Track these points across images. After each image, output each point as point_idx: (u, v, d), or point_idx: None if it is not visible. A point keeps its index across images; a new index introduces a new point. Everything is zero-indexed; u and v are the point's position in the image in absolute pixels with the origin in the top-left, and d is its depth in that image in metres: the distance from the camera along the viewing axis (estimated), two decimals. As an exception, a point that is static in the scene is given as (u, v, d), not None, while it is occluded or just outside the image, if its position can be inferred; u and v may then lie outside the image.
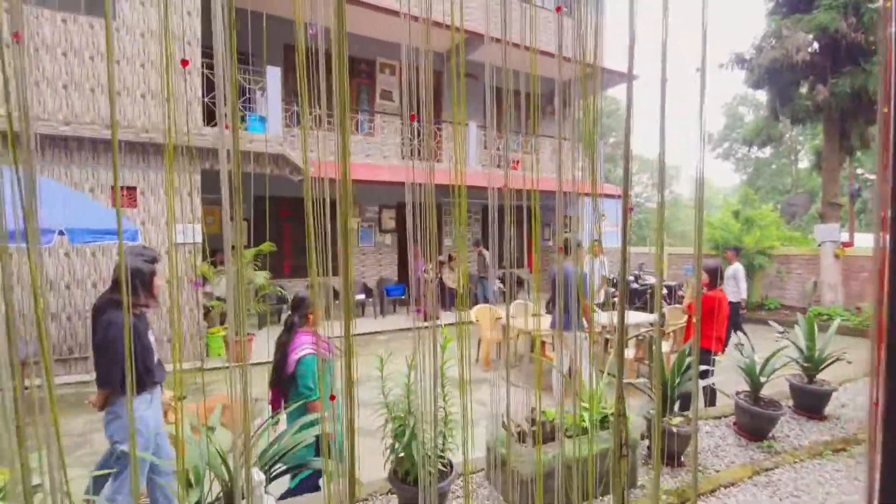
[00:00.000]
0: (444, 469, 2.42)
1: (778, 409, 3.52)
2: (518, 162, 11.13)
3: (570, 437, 2.84)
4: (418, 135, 9.98)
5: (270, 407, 2.82)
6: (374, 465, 2.49)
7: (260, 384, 2.80)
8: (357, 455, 1.58)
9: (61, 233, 3.96)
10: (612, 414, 2.91)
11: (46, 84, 5.73)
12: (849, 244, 11.55)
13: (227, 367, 1.36)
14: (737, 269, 7.18)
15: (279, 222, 9.46)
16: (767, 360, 3.63)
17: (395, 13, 1.46)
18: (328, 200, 1.38)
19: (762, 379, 3.56)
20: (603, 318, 5.70)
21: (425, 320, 1.78)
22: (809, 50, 10.91)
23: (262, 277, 6.43)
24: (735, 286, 7.02)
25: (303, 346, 2.70)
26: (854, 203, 14.29)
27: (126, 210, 6.08)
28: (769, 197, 25.41)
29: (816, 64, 11.05)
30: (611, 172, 25.65)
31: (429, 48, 1.40)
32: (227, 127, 1.24)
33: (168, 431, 2.69)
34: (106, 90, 6.01)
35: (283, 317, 7.17)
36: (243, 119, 7.20)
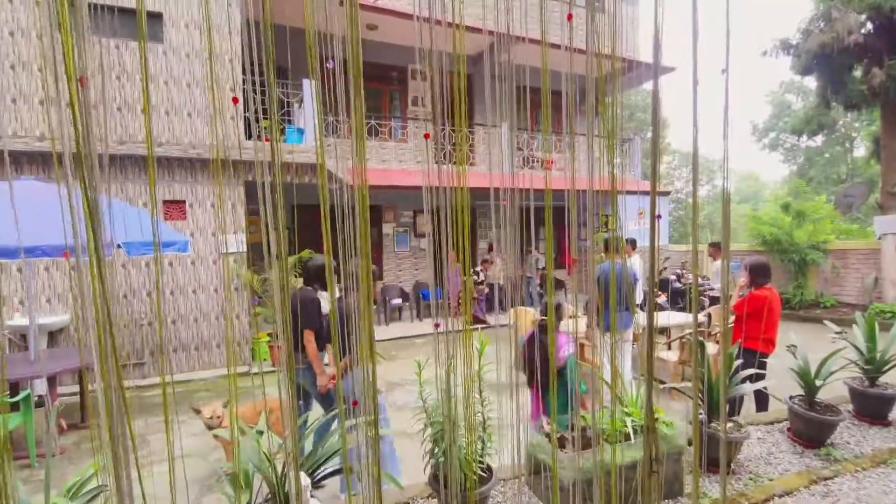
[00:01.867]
0: (483, 475, 2.43)
1: (836, 414, 3.33)
2: (552, 162, 11.01)
3: (611, 443, 2.79)
4: (450, 139, 10.05)
5: (532, 405, 2.97)
6: (416, 467, 2.54)
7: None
8: (399, 458, 1.61)
9: (119, 246, 4.23)
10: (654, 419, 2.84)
11: (103, 107, 6.14)
12: (914, 236, 10.75)
13: (274, 371, 1.42)
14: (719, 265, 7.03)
15: (317, 230, 9.74)
16: (823, 362, 3.43)
17: (425, 20, 1.50)
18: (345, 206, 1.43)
19: (818, 382, 3.38)
20: (641, 318, 5.52)
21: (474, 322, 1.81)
22: (863, 31, 10.26)
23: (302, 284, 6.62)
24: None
25: (567, 345, 2.94)
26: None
27: (178, 222, 6.42)
28: (822, 188, 23.97)
29: (871, 46, 10.38)
30: (649, 168, 24.88)
31: (458, 52, 1.43)
32: (266, 140, 1.31)
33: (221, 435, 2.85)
34: (156, 111, 6.38)
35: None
36: (282, 132, 7.48)
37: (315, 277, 3.61)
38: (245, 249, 6.64)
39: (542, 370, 2.81)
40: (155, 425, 4.68)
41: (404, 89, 10.70)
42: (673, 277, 10.41)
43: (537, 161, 10.59)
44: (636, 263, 7.10)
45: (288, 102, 8.00)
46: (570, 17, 1.31)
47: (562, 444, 2.73)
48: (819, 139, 24.61)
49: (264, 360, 6.83)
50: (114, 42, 6.18)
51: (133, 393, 5.74)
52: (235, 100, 1.21)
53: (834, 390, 3.89)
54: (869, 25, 10.41)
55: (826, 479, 2.92)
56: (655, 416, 2.85)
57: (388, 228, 10.36)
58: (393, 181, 8.63)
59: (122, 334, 6.20)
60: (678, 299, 9.89)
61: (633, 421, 2.84)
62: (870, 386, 3.74)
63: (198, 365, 6.44)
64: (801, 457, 3.21)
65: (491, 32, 1.53)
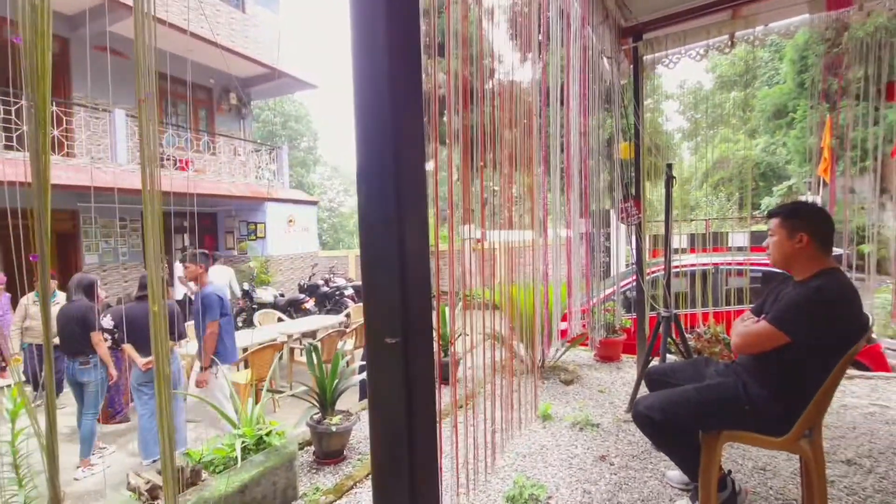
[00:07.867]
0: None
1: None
2: (189, 161, 9.80)
3: (218, 473, 2.56)
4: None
5: None
6: None
7: None
8: None
9: None
10: (266, 434, 2.78)
11: None
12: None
13: None
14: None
15: None
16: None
17: None
18: None
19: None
20: (283, 326, 5.53)
21: None
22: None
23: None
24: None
25: None
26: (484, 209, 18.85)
27: None
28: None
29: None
30: (304, 177, 25.85)
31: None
32: None
33: None
34: None
35: None
36: None
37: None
38: None
39: None
40: None
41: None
42: (321, 281, 11.06)
43: (170, 159, 9.21)
44: (231, 278, 7.19)
45: None
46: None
47: (154, 495, 2.31)
48: (431, 165, 31.57)
49: None
50: None
51: None
52: None
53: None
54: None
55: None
56: (268, 429, 2.80)
57: None
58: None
59: None
60: (326, 302, 10.57)
61: (243, 441, 2.70)
62: (445, 356, 4.89)
63: None
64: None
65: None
